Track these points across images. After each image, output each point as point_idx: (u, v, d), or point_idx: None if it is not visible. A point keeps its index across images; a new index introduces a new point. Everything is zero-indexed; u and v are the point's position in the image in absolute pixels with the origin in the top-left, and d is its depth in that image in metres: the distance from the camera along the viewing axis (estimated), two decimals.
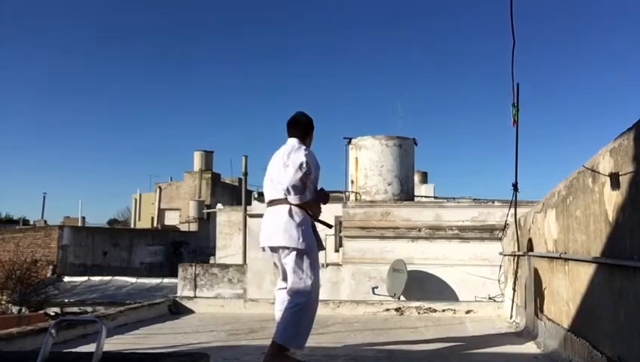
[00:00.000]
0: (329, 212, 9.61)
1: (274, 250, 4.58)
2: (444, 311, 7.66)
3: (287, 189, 4.38)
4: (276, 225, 4.48)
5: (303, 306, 4.38)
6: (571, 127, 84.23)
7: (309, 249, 4.45)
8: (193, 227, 34.80)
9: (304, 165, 4.37)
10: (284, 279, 4.64)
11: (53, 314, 17.69)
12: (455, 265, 8.86)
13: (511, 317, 6.89)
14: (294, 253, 4.42)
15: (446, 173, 73.75)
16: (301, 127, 4.69)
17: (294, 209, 4.43)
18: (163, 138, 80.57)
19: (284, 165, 4.48)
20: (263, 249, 4.71)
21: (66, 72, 72.86)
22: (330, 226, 5.00)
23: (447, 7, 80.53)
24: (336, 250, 10.10)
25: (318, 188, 4.67)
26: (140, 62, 74.40)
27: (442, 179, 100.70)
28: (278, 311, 4.65)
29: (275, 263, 4.76)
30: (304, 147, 4.56)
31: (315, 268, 4.47)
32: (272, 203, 4.60)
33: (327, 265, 9.50)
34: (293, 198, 4.40)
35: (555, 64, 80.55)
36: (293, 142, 4.63)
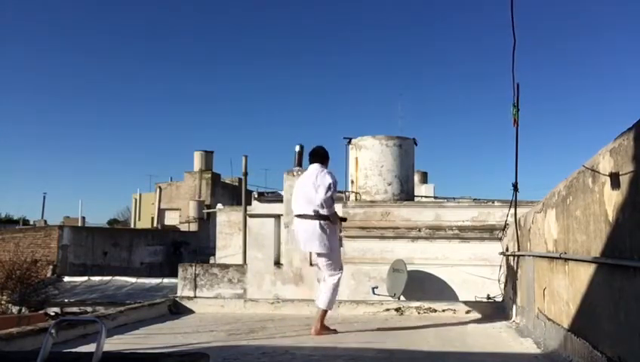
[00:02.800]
0: None
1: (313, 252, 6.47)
2: (444, 311, 7.66)
3: (321, 205, 5.93)
4: (312, 234, 6.06)
5: (338, 281, 6.24)
6: (571, 127, 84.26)
7: (334, 250, 6.23)
8: (193, 227, 34.76)
9: (332, 186, 5.97)
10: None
11: (53, 314, 17.67)
12: (455, 265, 8.84)
13: (511, 317, 6.89)
14: (325, 254, 6.15)
15: (446, 173, 73.77)
16: (320, 157, 6.29)
17: (323, 222, 6.02)
18: (163, 138, 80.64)
19: (313, 185, 6.02)
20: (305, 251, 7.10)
21: (66, 72, 72.91)
22: (344, 219, 6.82)
23: (448, 7, 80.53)
24: None
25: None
26: (140, 62, 74.47)
27: (442, 179, 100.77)
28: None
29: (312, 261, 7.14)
30: (327, 170, 6.14)
31: (340, 258, 6.41)
32: (303, 216, 6.11)
33: None
34: (325, 211, 5.98)
35: (556, 64, 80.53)
36: (317, 166, 6.18)
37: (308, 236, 6.13)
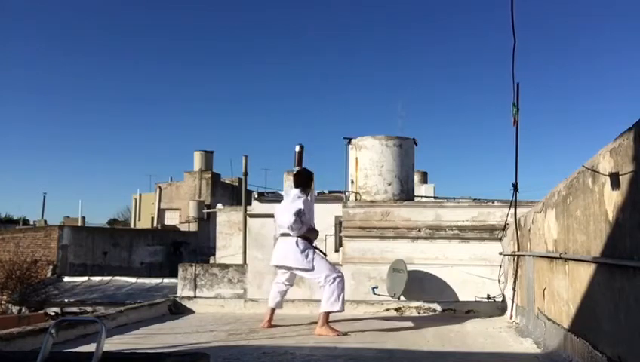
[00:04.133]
0: (329, 212, 9.62)
1: (284, 267, 6.60)
2: (444, 311, 7.66)
3: (290, 227, 6.33)
4: (287, 251, 6.44)
5: (338, 278, 6.31)
6: (571, 127, 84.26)
7: (310, 263, 6.40)
8: (193, 227, 34.75)
9: (300, 212, 6.32)
10: (286, 280, 6.74)
11: (53, 314, 17.67)
12: (455, 265, 8.83)
13: (511, 317, 6.89)
14: (302, 270, 6.46)
15: (446, 173, 73.77)
16: (302, 180, 6.62)
17: (299, 240, 6.39)
18: (163, 138, 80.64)
19: (287, 210, 6.41)
20: (276, 266, 6.72)
21: (66, 72, 72.90)
22: (325, 254, 6.81)
23: (448, 8, 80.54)
24: (336, 250, 10.08)
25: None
26: (141, 61, 74.46)
27: (442, 179, 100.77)
28: (273, 298, 6.76)
29: (279, 272, 6.80)
30: (301, 197, 6.45)
31: (325, 263, 6.48)
32: (283, 234, 6.50)
33: None
34: (295, 233, 6.37)
35: (555, 64, 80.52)
36: (296, 191, 6.54)
37: (284, 252, 6.49)
